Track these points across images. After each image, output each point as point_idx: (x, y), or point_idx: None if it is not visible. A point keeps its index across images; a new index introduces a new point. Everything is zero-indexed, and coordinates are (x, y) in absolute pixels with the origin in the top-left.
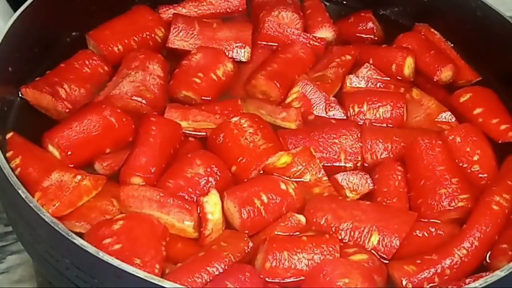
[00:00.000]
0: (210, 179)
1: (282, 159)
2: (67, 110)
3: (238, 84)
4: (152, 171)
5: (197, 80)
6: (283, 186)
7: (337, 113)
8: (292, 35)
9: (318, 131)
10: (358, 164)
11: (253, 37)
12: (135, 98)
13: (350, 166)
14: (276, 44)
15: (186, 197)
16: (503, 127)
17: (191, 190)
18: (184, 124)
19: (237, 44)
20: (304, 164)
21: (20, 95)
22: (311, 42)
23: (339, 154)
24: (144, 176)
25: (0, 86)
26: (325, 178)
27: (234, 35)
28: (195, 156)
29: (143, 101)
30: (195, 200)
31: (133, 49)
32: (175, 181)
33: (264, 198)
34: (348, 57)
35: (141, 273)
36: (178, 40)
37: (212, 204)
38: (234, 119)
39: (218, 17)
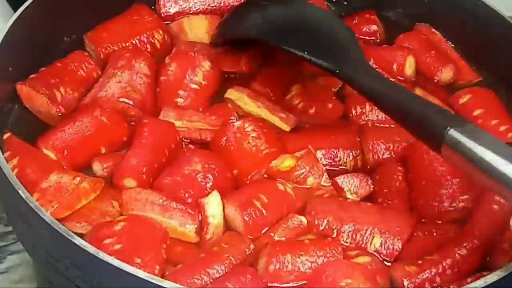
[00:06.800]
0: (208, 175)
1: (285, 162)
2: (60, 114)
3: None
4: (144, 170)
5: (180, 100)
6: (281, 187)
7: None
8: None
9: (316, 130)
10: (358, 160)
11: None
12: (122, 99)
13: (350, 161)
14: None
15: (186, 194)
16: (502, 128)
17: (188, 186)
18: (178, 123)
19: None
20: (307, 168)
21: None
22: None
23: (337, 149)
24: (136, 176)
25: (0, 86)
26: (328, 182)
27: None
28: (193, 154)
29: (130, 102)
30: (192, 194)
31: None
32: (172, 178)
33: (264, 198)
34: None
35: (141, 273)
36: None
37: (213, 206)
38: (238, 123)
39: (218, 13)
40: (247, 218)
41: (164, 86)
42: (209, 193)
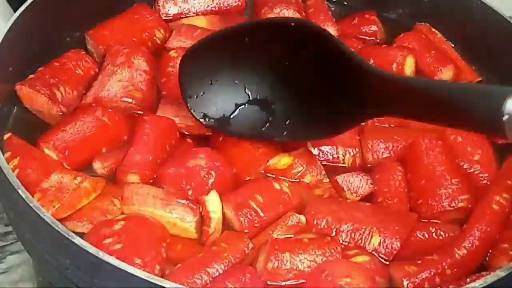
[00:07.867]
0: (212, 171)
1: (282, 160)
2: (61, 114)
3: None
4: (147, 166)
5: None
6: (277, 186)
7: None
8: None
9: None
10: (357, 157)
11: None
12: (125, 99)
13: (349, 159)
14: None
15: (187, 186)
16: None
17: (190, 179)
18: (176, 120)
19: None
20: (304, 166)
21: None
22: None
23: (336, 148)
24: (139, 172)
25: (0, 86)
26: (326, 179)
27: None
28: (200, 151)
29: (133, 102)
30: (193, 186)
31: None
32: (176, 169)
33: (260, 198)
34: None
35: (141, 273)
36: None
37: (213, 203)
38: None
39: (217, 14)
40: (242, 219)
41: (173, 77)
42: (210, 189)
